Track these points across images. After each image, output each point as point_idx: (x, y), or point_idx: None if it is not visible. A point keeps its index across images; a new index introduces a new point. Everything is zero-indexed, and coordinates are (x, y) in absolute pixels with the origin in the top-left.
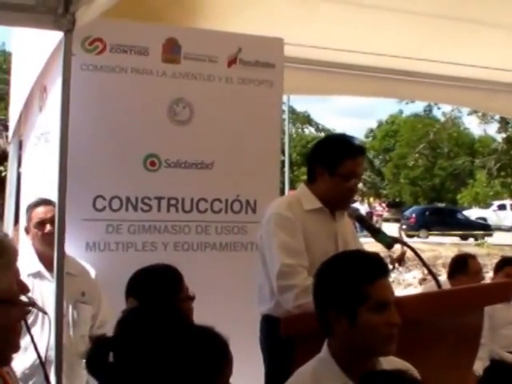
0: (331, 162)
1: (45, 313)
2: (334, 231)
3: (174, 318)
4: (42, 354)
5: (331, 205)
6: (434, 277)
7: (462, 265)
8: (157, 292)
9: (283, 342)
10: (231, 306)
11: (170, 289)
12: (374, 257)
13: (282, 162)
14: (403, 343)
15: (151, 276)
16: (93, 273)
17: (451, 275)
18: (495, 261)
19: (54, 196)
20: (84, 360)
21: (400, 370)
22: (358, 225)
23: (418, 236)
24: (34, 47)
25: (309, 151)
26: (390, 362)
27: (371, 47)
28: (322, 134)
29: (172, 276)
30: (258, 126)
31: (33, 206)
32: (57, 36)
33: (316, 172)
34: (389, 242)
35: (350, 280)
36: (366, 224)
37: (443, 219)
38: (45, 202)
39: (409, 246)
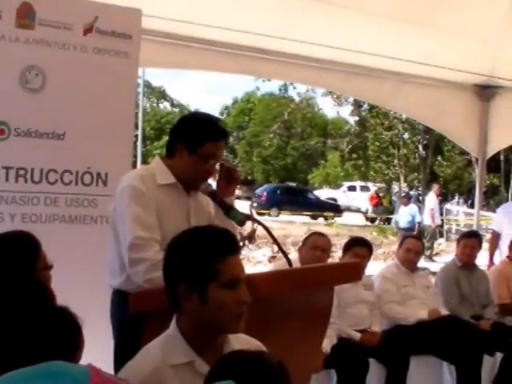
0: (193, 142)
1: None
2: (187, 207)
3: (32, 290)
4: None
5: (185, 182)
6: (285, 254)
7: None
8: (12, 261)
9: (132, 318)
10: (80, 279)
11: (27, 257)
12: (226, 233)
13: (136, 136)
14: (254, 321)
15: (5, 244)
16: None
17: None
18: (344, 241)
19: None
20: None
21: (258, 352)
22: None
23: (269, 214)
24: None
25: (172, 125)
26: (240, 340)
27: (230, 23)
28: (177, 110)
29: (29, 243)
30: (112, 98)
31: None
32: None
33: (176, 148)
34: (241, 219)
35: (201, 256)
36: (218, 200)
37: (294, 198)
38: None
39: (261, 224)
